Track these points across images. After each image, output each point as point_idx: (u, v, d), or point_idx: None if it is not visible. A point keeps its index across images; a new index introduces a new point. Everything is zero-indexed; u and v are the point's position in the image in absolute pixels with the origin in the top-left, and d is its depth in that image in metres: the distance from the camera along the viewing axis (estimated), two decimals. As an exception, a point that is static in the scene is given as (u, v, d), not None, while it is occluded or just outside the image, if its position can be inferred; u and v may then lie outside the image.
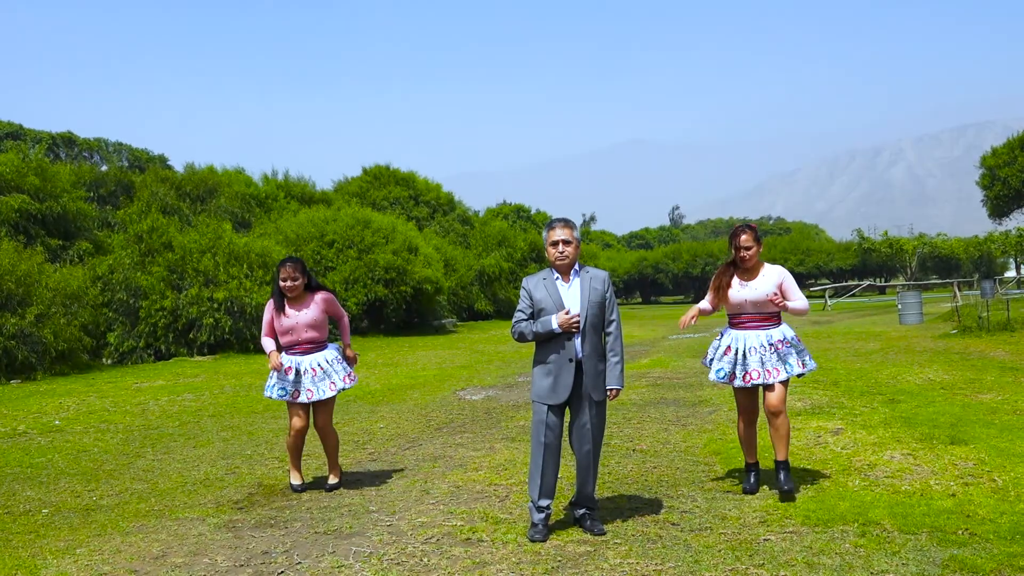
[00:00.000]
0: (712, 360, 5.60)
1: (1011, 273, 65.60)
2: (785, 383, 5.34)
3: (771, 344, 5.36)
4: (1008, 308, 17.83)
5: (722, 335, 5.64)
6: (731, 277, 5.50)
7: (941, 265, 67.43)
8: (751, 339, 5.40)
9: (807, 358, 5.48)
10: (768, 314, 5.44)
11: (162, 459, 7.30)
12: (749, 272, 5.48)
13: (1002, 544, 4.20)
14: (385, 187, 36.42)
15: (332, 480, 6.01)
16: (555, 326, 4.61)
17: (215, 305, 18.57)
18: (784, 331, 5.45)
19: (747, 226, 5.56)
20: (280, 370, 5.74)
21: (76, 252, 20.62)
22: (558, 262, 4.75)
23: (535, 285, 4.79)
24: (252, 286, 19.28)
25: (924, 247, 65.38)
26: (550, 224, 4.84)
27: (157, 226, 19.88)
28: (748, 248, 5.41)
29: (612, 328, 4.81)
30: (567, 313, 4.61)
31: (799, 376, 5.50)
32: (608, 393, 4.75)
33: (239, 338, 18.85)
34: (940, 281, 53.45)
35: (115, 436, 8.58)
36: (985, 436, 6.79)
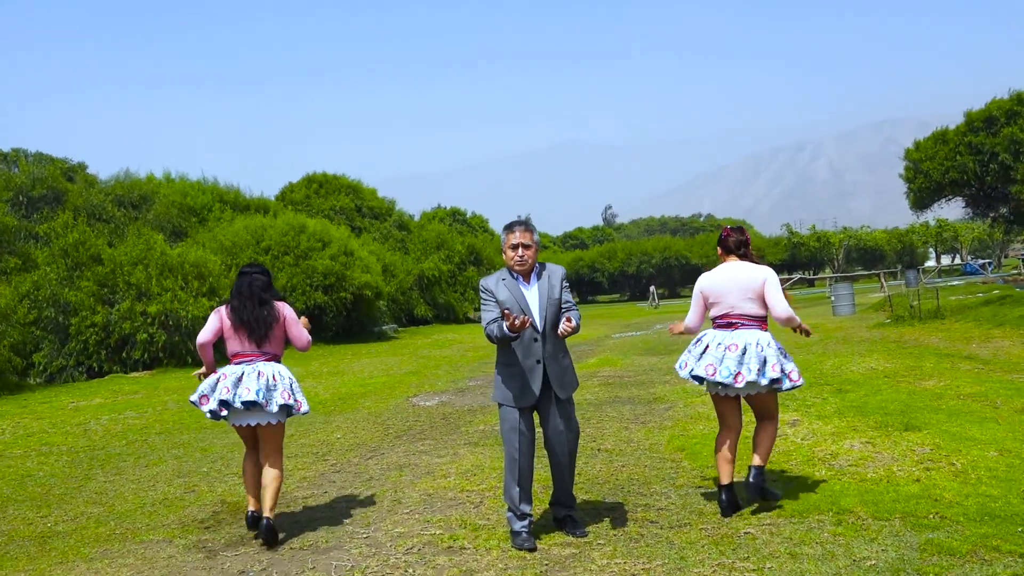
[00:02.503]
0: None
1: (931, 263, 68.19)
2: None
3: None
4: (938, 296, 18.48)
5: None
6: None
7: (866, 256, 69.66)
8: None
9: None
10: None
11: (114, 480, 7.04)
12: None
13: (973, 526, 4.33)
14: (330, 195, 35.95)
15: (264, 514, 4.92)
16: (507, 331, 4.44)
17: (148, 319, 18.01)
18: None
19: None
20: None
21: (2, 268, 19.77)
22: (517, 266, 4.69)
23: (496, 285, 4.70)
24: (187, 298, 18.74)
25: (850, 240, 67.45)
26: (509, 226, 4.74)
27: (84, 239, 19.17)
28: None
29: (571, 310, 4.69)
30: (515, 319, 4.34)
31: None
32: (564, 320, 4.48)
33: (175, 353, 18.31)
34: (866, 272, 55.18)
35: (59, 458, 8.24)
36: (935, 421, 7.01)
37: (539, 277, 4.74)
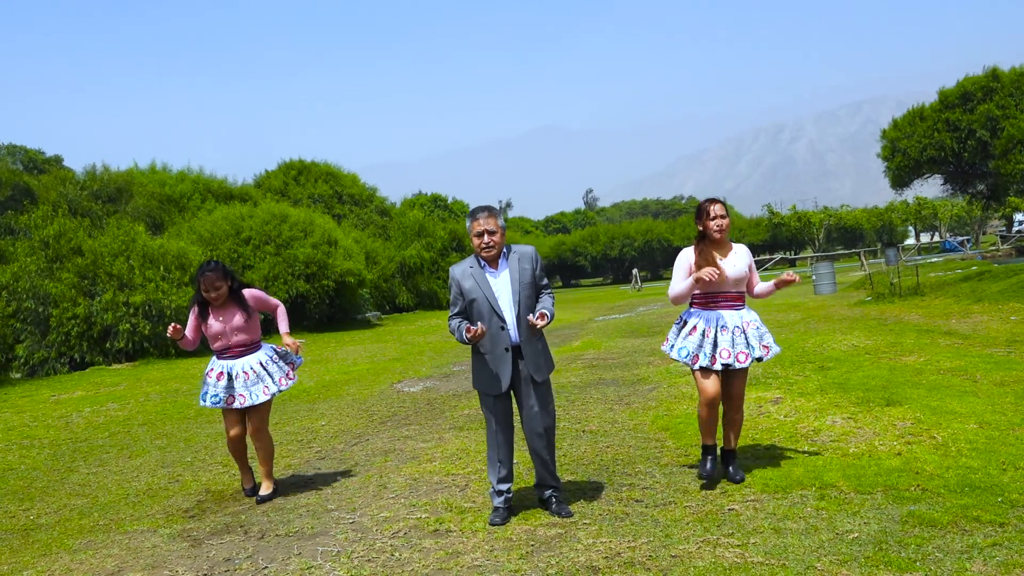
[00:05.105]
0: (673, 344, 5.18)
1: (911, 240, 68.70)
2: (746, 370, 5.13)
3: (743, 324, 5.06)
4: (917, 274, 18.63)
5: (687, 317, 5.21)
6: (712, 253, 5.07)
7: (846, 235, 70.11)
8: (725, 318, 5.05)
9: (771, 341, 5.14)
10: (740, 293, 5.14)
11: (97, 472, 6.99)
12: (722, 248, 5.13)
13: (953, 497, 4.37)
14: (308, 182, 35.63)
15: (264, 491, 5.60)
16: (467, 337, 4.54)
17: (131, 310, 17.87)
18: (751, 313, 5.19)
19: (715, 199, 5.16)
20: (178, 336, 5.35)
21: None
22: (484, 253, 4.68)
23: (462, 274, 4.72)
24: (170, 288, 18.63)
25: (830, 219, 67.80)
26: (473, 214, 4.71)
27: (65, 230, 18.97)
28: (724, 217, 5.06)
29: (544, 293, 4.79)
30: (475, 331, 4.48)
31: (759, 360, 5.08)
32: (537, 316, 4.54)
33: (159, 343, 18.19)
34: (846, 251, 55.54)
35: (41, 451, 8.18)
36: (916, 396, 7.07)
37: (507, 260, 4.73)
